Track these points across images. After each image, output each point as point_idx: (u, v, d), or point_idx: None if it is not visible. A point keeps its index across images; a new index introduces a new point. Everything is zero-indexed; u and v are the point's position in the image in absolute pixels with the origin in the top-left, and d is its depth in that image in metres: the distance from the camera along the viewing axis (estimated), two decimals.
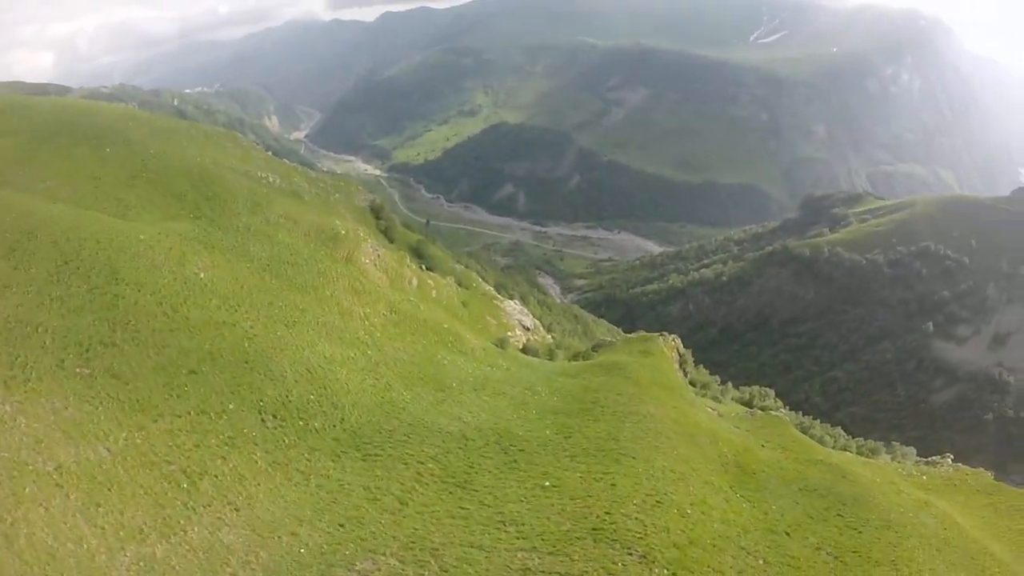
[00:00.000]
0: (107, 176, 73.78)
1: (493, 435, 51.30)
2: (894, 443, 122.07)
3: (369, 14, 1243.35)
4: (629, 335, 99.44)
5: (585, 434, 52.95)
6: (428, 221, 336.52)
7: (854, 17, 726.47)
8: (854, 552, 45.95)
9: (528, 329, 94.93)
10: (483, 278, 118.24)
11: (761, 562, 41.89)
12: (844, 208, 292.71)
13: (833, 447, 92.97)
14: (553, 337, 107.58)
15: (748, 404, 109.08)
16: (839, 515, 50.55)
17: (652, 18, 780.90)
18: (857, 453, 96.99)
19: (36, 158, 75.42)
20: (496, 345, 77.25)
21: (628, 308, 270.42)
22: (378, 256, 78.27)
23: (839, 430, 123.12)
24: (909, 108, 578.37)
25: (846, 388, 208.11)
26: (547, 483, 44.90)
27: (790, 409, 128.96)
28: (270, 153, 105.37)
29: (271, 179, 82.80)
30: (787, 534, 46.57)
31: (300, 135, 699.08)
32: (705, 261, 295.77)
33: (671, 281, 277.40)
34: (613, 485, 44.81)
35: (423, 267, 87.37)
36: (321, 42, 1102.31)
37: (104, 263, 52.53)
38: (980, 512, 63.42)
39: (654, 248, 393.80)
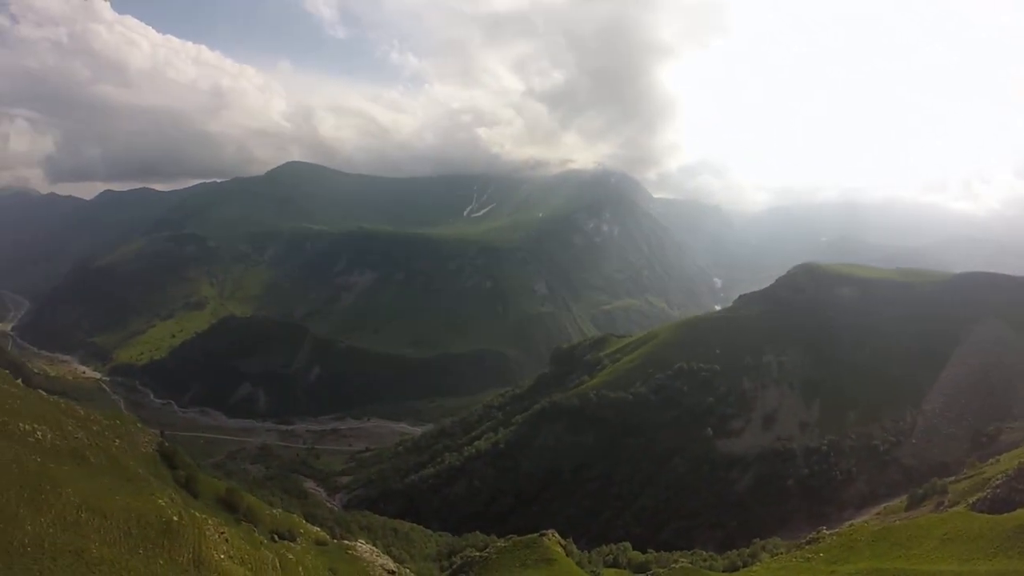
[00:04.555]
0: None
1: None
2: (755, 540, 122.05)
3: (88, 191, 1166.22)
4: (501, 543, 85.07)
5: None
6: (163, 432, 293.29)
7: (554, 184, 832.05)
8: None
9: (393, 572, 76.52)
10: (289, 511, 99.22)
11: None
12: (594, 353, 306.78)
13: (727, 570, 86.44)
14: (408, 568, 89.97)
15: (616, 565, 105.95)
16: None
17: (371, 204, 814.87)
18: (744, 565, 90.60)
19: None
20: None
21: (409, 498, 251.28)
22: (227, 542, 52.12)
23: (704, 552, 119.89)
24: (614, 252, 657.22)
25: (657, 510, 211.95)
26: None
27: (610, 544, 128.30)
28: (20, 381, 76.54)
29: (40, 434, 52.60)
30: None
31: (7, 327, 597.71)
32: (473, 433, 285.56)
33: (448, 461, 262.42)
34: None
35: (275, 537, 64.62)
36: (34, 217, 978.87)
37: None
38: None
39: (408, 429, 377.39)
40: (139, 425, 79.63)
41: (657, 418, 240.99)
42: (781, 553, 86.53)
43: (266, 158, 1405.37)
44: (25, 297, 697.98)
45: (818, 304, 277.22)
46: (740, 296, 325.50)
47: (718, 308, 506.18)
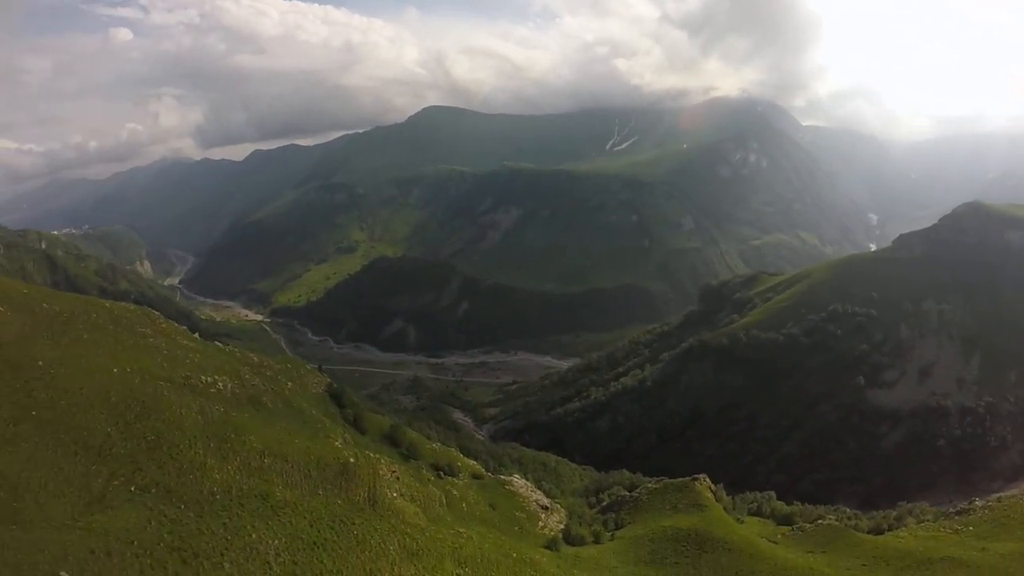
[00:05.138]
0: None
1: None
2: (902, 503, 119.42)
3: (238, 153, 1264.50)
4: (652, 484, 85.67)
5: None
6: (320, 366, 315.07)
7: (698, 113, 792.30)
8: None
9: (546, 508, 78.89)
10: (446, 444, 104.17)
11: None
12: (745, 291, 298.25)
13: (872, 532, 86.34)
14: (559, 504, 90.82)
15: (759, 514, 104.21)
16: None
17: (512, 143, 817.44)
18: (889, 528, 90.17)
19: None
20: (549, 548, 62.17)
21: (553, 431, 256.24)
22: (398, 480, 57.31)
23: (847, 509, 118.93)
24: (762, 185, 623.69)
25: (801, 458, 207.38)
26: None
27: (750, 492, 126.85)
28: (197, 335, 79.20)
29: (221, 384, 57.61)
30: None
31: (174, 280, 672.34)
32: (619, 369, 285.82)
33: (593, 396, 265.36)
34: None
35: (439, 473, 71.00)
36: (191, 182, 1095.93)
37: None
38: None
39: (553, 363, 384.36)
40: (308, 367, 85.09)
41: (808, 362, 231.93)
42: (928, 521, 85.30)
43: (404, 105, 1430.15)
44: (189, 253, 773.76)
45: (984, 249, 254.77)
46: (900, 236, 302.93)
47: (873, 247, 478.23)
